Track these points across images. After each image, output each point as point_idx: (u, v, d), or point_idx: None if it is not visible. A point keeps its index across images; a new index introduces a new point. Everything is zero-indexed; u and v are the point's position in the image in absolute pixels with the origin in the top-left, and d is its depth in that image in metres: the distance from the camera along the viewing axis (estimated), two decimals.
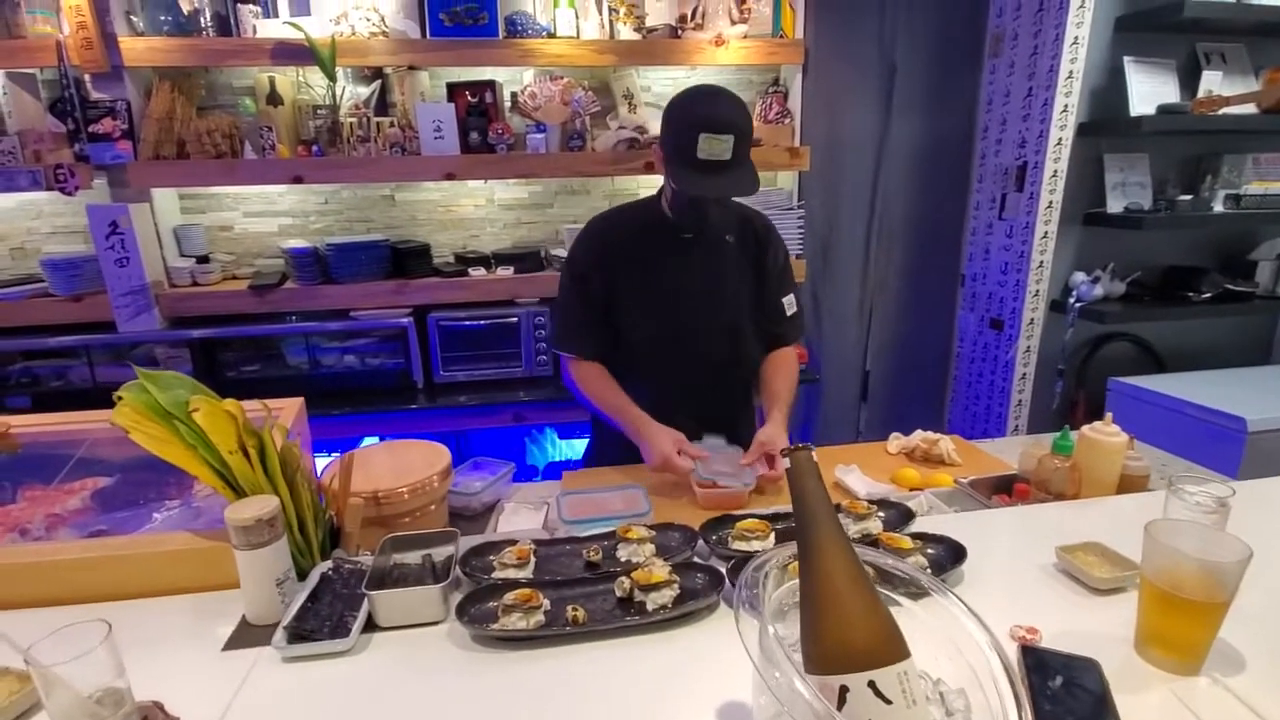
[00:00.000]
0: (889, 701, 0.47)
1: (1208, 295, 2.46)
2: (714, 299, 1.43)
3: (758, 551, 0.92)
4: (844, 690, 0.48)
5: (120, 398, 0.83)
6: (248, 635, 0.82)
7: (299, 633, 0.78)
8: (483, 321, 2.38)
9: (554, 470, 2.68)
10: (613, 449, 1.49)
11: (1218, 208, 2.41)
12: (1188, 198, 2.39)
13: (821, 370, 2.92)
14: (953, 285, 2.85)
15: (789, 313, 1.51)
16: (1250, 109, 2.32)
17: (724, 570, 0.86)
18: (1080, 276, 2.45)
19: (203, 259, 2.34)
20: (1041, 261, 2.40)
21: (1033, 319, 2.46)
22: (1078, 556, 0.89)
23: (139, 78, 2.18)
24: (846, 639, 0.49)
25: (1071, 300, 2.42)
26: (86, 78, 2.10)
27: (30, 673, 0.64)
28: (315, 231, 2.49)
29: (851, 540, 0.58)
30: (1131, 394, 2.34)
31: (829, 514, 0.54)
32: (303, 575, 0.89)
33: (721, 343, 1.46)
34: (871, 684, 0.48)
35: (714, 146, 1.18)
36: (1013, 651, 0.75)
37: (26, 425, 1.15)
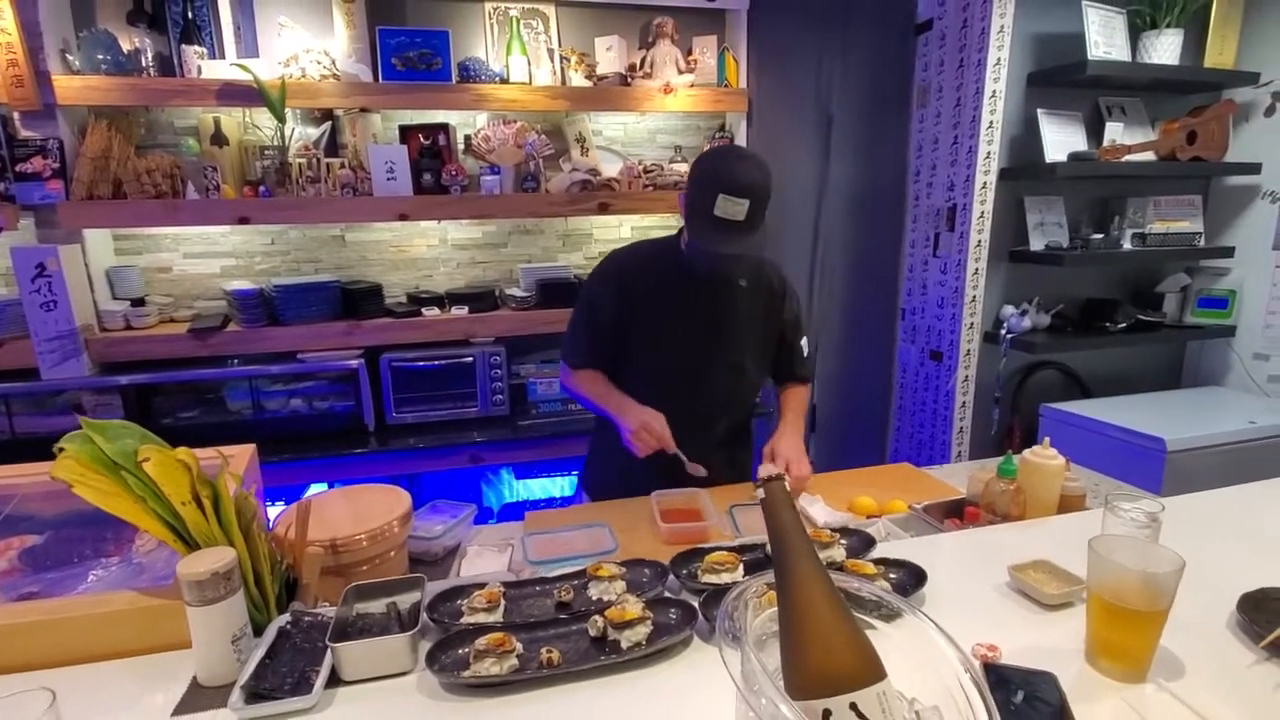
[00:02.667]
0: None
1: (1123, 325, 2.65)
2: (720, 338, 1.51)
3: (728, 584, 0.93)
4: (827, 714, 0.49)
5: (62, 449, 0.79)
6: (199, 698, 0.77)
7: (257, 691, 0.74)
8: (437, 362, 2.34)
9: (511, 512, 2.62)
10: (610, 459, 1.56)
11: (1126, 245, 2.63)
12: (1099, 236, 2.60)
13: (773, 404, 2.99)
14: (891, 319, 2.99)
15: (805, 354, 1.65)
16: (1149, 156, 2.55)
17: (696, 604, 0.87)
18: (1010, 310, 2.60)
19: (138, 301, 2.24)
20: (974, 296, 2.55)
21: (969, 350, 2.60)
22: (1028, 575, 0.93)
23: (73, 116, 2.10)
24: (827, 663, 0.51)
25: (1003, 332, 2.57)
26: (15, 115, 2.02)
27: None
28: (260, 273, 2.42)
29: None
30: (1062, 419, 2.48)
31: (805, 542, 0.56)
32: (258, 631, 0.85)
33: (723, 379, 1.55)
34: (853, 706, 0.49)
35: (730, 208, 1.26)
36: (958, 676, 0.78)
37: None
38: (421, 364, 2.33)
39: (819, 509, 1.38)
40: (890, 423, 3.07)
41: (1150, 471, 2.20)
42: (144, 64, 2.10)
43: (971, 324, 2.57)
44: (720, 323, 1.51)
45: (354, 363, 2.26)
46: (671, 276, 1.47)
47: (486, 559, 1.25)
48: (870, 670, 0.51)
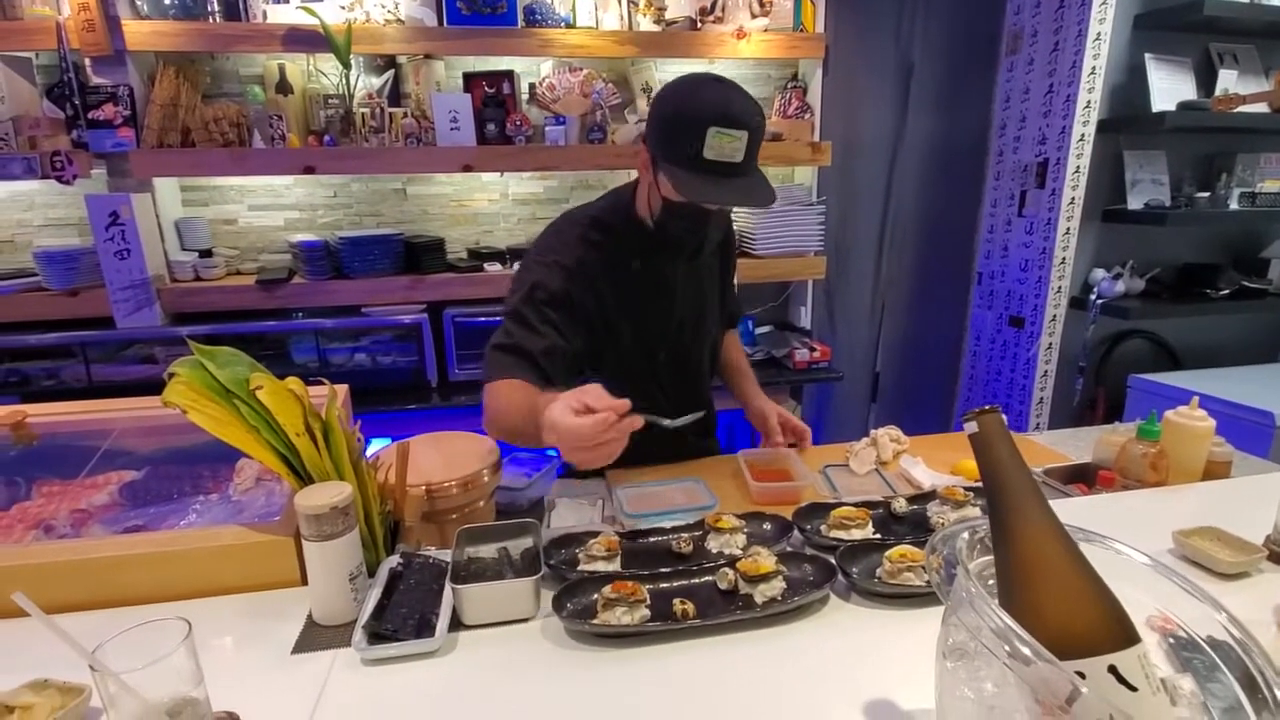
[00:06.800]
0: (1134, 688, 0.42)
1: (1225, 292, 2.47)
2: (708, 313, 1.35)
3: (860, 540, 0.86)
4: (1080, 678, 0.42)
5: (174, 374, 0.76)
6: (317, 637, 0.74)
7: (380, 632, 0.71)
8: (499, 318, 2.29)
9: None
10: None
11: (1233, 205, 2.43)
12: (1204, 195, 2.41)
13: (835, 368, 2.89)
14: (964, 283, 2.84)
15: (735, 290, 1.50)
16: (1262, 108, 2.34)
17: (834, 560, 0.80)
18: (1100, 273, 2.44)
19: (206, 253, 2.24)
20: (1064, 258, 2.39)
21: (1055, 316, 2.45)
22: (1196, 541, 0.84)
23: (142, 63, 2.08)
24: (1078, 620, 0.44)
25: (1093, 297, 2.42)
26: (86, 62, 2.00)
27: (90, 682, 0.56)
28: (323, 226, 2.40)
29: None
30: (1152, 390, 2.33)
31: (1031, 482, 0.48)
32: (370, 571, 0.81)
33: (708, 352, 1.40)
34: (1112, 669, 0.42)
35: (725, 144, 0.98)
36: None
37: (44, 415, 1.06)
38: (483, 320, 2.29)
39: (921, 471, 1.30)
40: (958, 391, 2.95)
41: (1255, 448, 2.03)
42: (210, 8, 2.05)
43: (1059, 288, 2.42)
44: (705, 297, 1.31)
45: (418, 317, 2.23)
46: (652, 257, 1.20)
47: (576, 512, 1.21)
48: (1126, 629, 0.44)
